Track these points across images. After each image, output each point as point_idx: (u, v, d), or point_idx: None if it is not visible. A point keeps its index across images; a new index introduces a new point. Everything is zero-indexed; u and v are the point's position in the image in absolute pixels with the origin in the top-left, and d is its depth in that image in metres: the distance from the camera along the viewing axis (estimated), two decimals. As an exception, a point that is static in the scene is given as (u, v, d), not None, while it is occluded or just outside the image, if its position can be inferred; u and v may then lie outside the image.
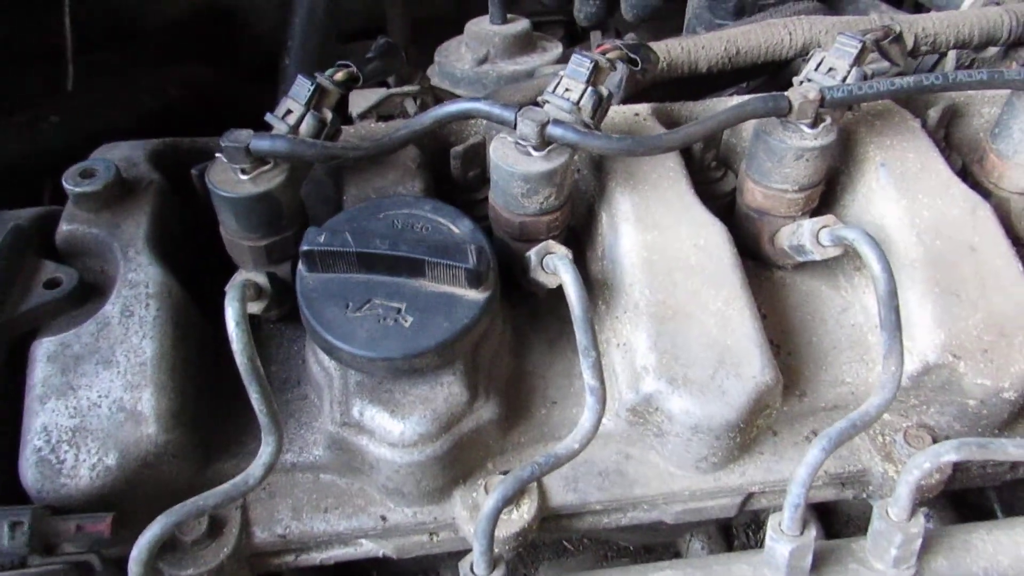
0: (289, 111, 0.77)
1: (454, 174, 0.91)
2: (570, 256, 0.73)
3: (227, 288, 0.69)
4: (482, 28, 1.22)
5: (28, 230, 0.78)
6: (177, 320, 0.75)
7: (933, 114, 0.97)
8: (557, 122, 0.76)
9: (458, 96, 0.98)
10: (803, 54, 1.02)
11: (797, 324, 0.87)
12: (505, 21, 1.23)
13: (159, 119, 1.27)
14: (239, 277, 0.72)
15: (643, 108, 0.92)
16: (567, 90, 0.81)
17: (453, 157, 0.90)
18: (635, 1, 1.45)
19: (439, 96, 0.97)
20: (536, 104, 0.79)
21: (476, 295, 0.72)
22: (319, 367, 0.77)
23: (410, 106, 0.91)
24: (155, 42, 1.68)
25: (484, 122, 0.93)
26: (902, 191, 0.84)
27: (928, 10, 1.29)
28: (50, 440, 0.68)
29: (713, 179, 0.96)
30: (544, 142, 0.77)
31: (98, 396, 0.69)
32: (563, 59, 1.28)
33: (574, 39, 1.70)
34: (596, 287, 0.86)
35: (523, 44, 1.24)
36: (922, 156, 0.87)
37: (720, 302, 0.77)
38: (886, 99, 0.90)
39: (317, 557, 0.78)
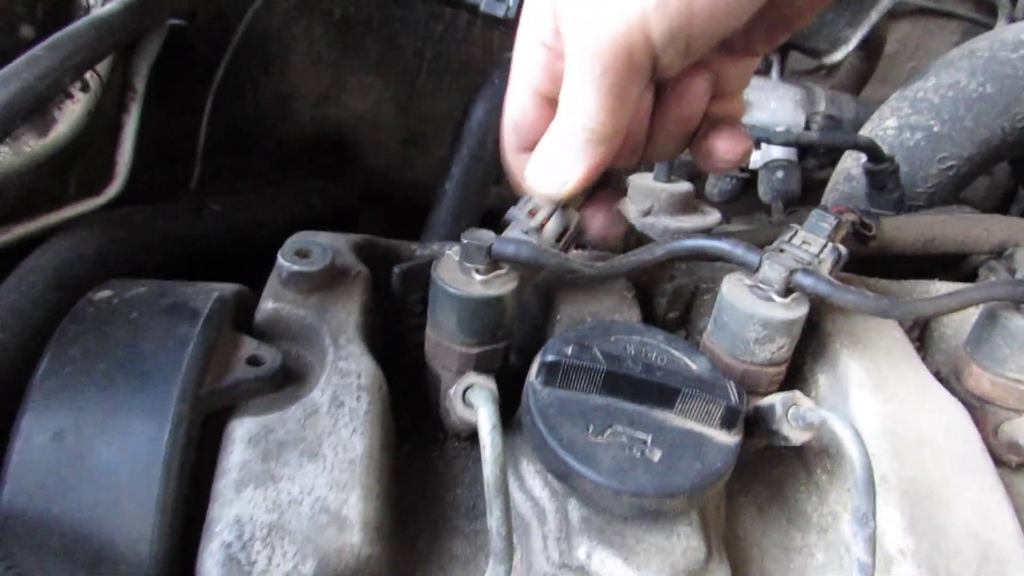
0: (533, 210, 0.74)
1: (658, 311, 0.86)
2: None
3: (474, 391, 0.62)
4: (647, 183, 1.22)
5: (230, 303, 0.72)
6: (385, 419, 0.67)
7: None
8: (807, 271, 0.73)
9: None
10: (999, 251, 1.00)
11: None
12: (669, 180, 1.23)
13: (303, 224, 1.27)
14: (471, 379, 0.65)
15: (849, 276, 0.89)
16: (804, 243, 0.78)
17: (661, 294, 0.86)
18: (779, 188, 1.47)
19: (639, 235, 0.94)
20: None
21: (726, 438, 0.65)
22: (526, 497, 0.68)
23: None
24: (270, 160, 1.74)
25: (684, 265, 0.90)
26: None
27: None
28: (242, 535, 0.58)
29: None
30: (788, 289, 0.73)
31: (300, 491, 0.60)
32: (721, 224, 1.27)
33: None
34: (809, 454, 0.79)
35: (685, 204, 1.23)
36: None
37: (976, 490, 0.69)
38: None
39: None
